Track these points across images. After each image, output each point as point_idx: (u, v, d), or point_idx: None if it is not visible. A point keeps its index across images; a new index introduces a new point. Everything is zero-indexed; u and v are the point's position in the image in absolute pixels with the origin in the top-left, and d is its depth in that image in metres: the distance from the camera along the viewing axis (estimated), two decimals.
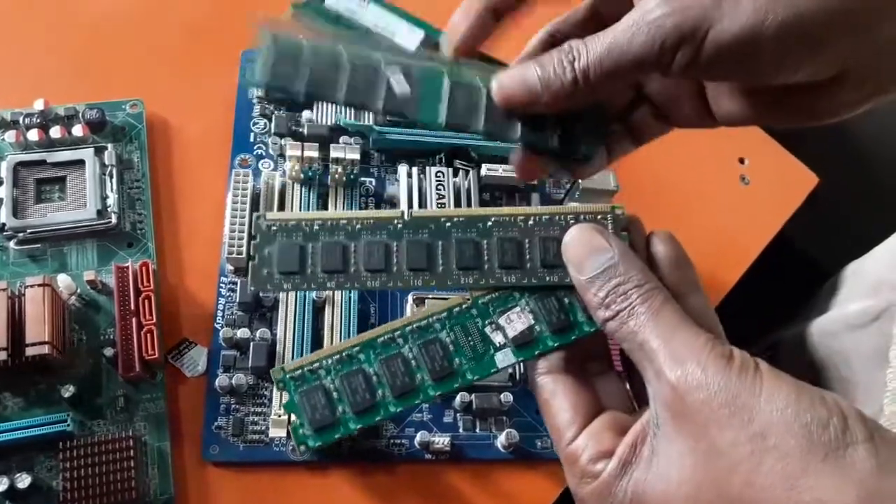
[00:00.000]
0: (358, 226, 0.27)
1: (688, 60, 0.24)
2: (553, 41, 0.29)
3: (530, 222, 0.27)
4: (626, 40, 0.24)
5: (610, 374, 0.27)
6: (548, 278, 0.27)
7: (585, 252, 0.25)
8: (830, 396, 0.21)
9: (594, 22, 0.29)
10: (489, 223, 0.27)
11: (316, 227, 0.27)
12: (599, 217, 0.27)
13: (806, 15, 0.22)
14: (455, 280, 0.27)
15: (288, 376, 0.27)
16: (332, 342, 0.38)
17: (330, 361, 0.27)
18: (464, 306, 0.27)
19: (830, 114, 0.26)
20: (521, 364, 0.39)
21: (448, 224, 0.27)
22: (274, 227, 0.27)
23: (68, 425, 0.34)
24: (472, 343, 0.27)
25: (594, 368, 0.27)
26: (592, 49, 0.25)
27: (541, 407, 0.26)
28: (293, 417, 0.27)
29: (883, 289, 0.41)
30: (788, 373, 0.52)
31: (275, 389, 0.36)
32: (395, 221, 0.27)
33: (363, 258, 0.26)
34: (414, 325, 0.27)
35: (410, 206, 0.27)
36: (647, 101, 0.30)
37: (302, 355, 0.37)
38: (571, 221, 0.27)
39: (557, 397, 0.25)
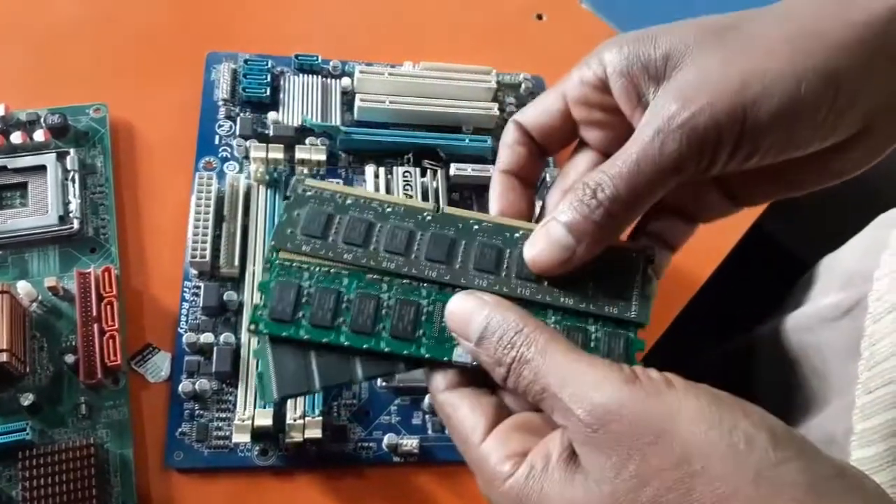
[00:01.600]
0: (388, 209, 0.27)
1: (729, 153, 0.22)
2: (530, 141, 0.28)
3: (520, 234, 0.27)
4: (655, 153, 0.22)
5: None
6: (562, 300, 0.26)
7: (465, 318, 0.24)
8: (756, 411, 0.19)
9: (573, 132, 0.27)
10: (517, 234, 0.27)
11: (349, 202, 0.27)
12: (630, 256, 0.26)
13: (832, 75, 0.22)
14: (469, 280, 0.26)
15: (277, 261, 0.26)
16: None
17: (318, 270, 0.26)
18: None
19: (855, 168, 0.25)
20: None
21: (476, 227, 0.27)
22: (309, 193, 0.27)
23: (27, 434, 0.33)
24: (444, 324, 0.26)
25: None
26: (616, 174, 0.23)
27: (446, 423, 0.25)
28: (258, 296, 0.26)
29: (855, 281, 0.40)
30: (766, 367, 0.52)
31: (239, 394, 0.36)
32: (426, 213, 0.27)
33: (385, 239, 0.26)
34: (404, 279, 0.26)
35: (436, 211, 0.27)
36: (666, 210, 0.28)
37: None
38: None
39: (460, 409, 0.24)
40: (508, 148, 0.28)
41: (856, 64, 0.22)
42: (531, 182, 0.28)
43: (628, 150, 0.23)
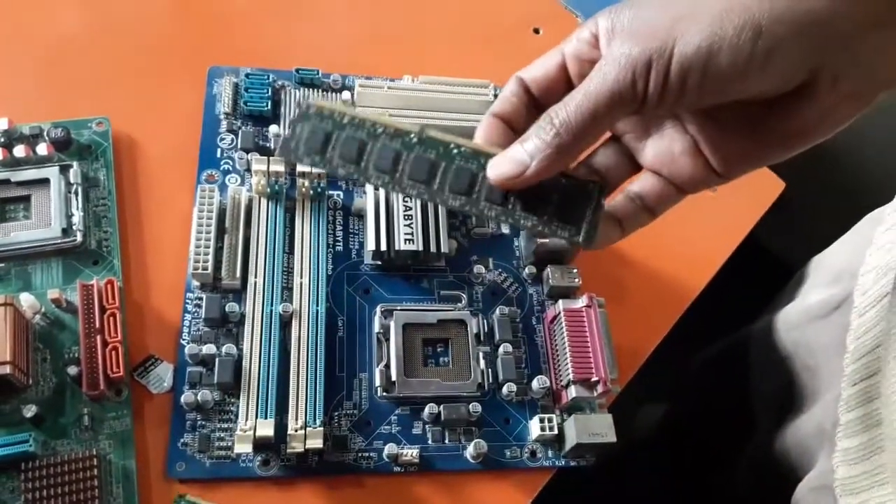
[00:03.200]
0: (380, 130, 0.30)
1: (661, 82, 0.25)
2: (525, 94, 0.30)
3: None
4: (599, 79, 0.26)
5: None
6: (522, 221, 0.29)
7: None
8: None
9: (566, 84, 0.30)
10: (484, 159, 0.30)
11: (345, 121, 0.30)
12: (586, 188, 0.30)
13: (758, 18, 0.23)
14: (444, 200, 0.29)
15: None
16: (299, 356, 0.37)
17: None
18: None
19: (822, 125, 0.26)
20: (490, 373, 0.39)
21: (455, 151, 0.30)
22: (312, 110, 0.30)
23: (30, 445, 0.33)
24: None
25: None
26: (569, 100, 0.26)
27: None
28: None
29: (843, 278, 0.41)
30: (760, 365, 0.53)
31: (241, 405, 0.36)
32: (412, 135, 0.30)
33: (375, 157, 0.29)
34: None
35: (421, 134, 0.30)
36: (649, 174, 0.30)
37: (268, 371, 0.37)
38: (563, 181, 0.30)
39: None
40: (503, 98, 0.30)
41: (786, 13, 0.24)
42: (517, 128, 0.30)
43: (582, 84, 0.26)
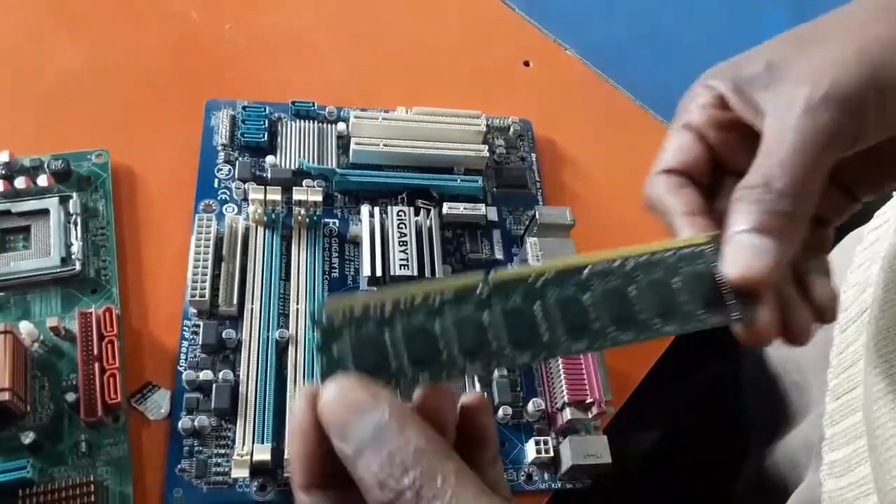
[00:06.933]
0: (437, 300, 0.21)
1: (876, 115, 0.22)
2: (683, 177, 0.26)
3: (628, 267, 0.24)
4: (810, 128, 0.22)
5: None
6: (664, 328, 0.23)
7: (346, 413, 0.18)
8: None
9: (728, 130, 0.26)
10: (584, 273, 0.23)
11: (388, 309, 0.21)
12: (701, 247, 0.24)
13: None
14: (565, 348, 0.22)
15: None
16: (296, 381, 0.38)
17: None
18: None
19: None
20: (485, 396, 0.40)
21: (539, 283, 0.22)
22: (336, 322, 0.20)
23: (28, 472, 0.33)
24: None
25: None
26: (779, 162, 0.22)
27: None
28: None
29: None
30: (752, 384, 0.53)
31: (238, 430, 0.36)
32: (479, 289, 0.22)
33: (455, 340, 0.21)
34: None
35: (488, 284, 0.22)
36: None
37: (265, 397, 0.37)
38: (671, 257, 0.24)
39: None
40: (673, 195, 0.26)
41: None
42: (698, 182, 0.26)
43: (779, 140, 0.22)
